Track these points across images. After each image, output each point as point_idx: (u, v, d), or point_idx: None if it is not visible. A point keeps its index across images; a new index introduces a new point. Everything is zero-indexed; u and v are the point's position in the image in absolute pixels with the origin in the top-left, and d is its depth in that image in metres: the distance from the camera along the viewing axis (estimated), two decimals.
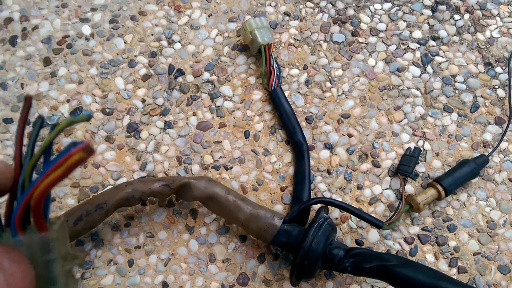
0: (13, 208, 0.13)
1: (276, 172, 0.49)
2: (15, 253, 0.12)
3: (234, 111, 0.52)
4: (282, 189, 0.48)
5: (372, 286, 0.44)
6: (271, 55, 0.50)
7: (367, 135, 0.50)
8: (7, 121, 0.50)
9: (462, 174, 0.46)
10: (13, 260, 0.12)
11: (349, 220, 0.47)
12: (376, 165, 0.49)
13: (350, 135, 0.50)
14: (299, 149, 0.48)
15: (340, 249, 0.41)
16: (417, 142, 0.50)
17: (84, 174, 0.48)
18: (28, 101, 0.13)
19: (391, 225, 0.43)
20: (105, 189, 0.45)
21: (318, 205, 0.47)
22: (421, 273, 0.36)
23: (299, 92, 0.52)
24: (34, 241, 0.12)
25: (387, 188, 0.48)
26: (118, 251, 0.46)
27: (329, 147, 0.50)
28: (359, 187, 0.48)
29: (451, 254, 0.46)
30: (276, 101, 0.50)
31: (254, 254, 0.46)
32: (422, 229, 0.46)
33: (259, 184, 0.49)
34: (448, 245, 0.46)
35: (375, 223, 0.42)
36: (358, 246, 0.41)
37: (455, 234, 0.46)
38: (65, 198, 0.48)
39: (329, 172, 0.49)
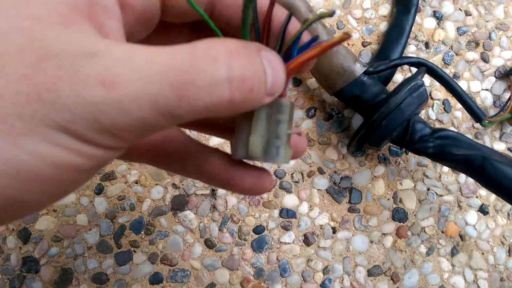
0: None
1: (364, 21, 0.38)
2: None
3: None
4: (364, 44, 0.38)
5: (429, 189, 0.36)
6: None
7: (487, 21, 0.39)
8: None
9: None
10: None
11: (430, 108, 0.37)
12: (485, 59, 0.39)
13: (468, 13, 0.39)
14: (407, 0, 0.37)
15: (426, 126, 0.32)
16: None
17: None
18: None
19: (491, 124, 0.34)
20: None
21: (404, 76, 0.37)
22: None
23: None
24: (274, 102, 0.15)
25: (487, 89, 0.38)
26: None
27: (439, 17, 0.39)
28: (456, 76, 0.38)
29: None
30: None
31: (304, 105, 0.36)
32: (509, 149, 0.38)
33: (339, 27, 0.38)
34: None
35: (478, 114, 0.33)
36: (449, 129, 0.32)
37: None
38: None
39: (427, 46, 0.38)
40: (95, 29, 0.12)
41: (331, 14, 0.14)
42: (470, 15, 0.39)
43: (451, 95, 0.34)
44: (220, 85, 0.12)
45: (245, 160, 0.17)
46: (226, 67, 0.12)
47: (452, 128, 0.37)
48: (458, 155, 0.30)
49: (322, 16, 0.14)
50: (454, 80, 0.33)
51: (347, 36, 0.13)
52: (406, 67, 0.38)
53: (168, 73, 0.11)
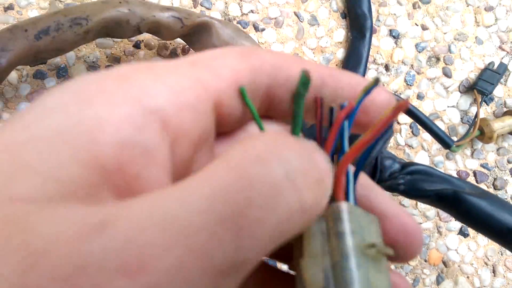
0: None
1: (320, 51, 0.37)
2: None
3: None
4: None
5: None
6: None
7: (445, 33, 0.38)
8: None
9: None
10: None
11: (399, 133, 0.36)
12: (447, 74, 0.38)
13: (424, 27, 0.38)
14: (361, 24, 0.35)
15: (395, 161, 0.30)
16: (502, 58, 0.39)
17: None
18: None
19: (460, 147, 0.33)
20: (89, 1, 0.31)
21: None
22: (506, 211, 0.27)
23: None
24: (329, 209, 0.11)
25: (453, 106, 0.37)
26: None
27: (396, 36, 0.38)
28: (420, 96, 0.37)
29: None
30: None
31: None
32: (481, 165, 0.37)
33: None
34: (506, 191, 0.37)
35: (445, 141, 0.32)
36: (418, 162, 0.31)
37: None
38: (28, 8, 0.33)
39: (387, 68, 0.37)
40: (113, 193, 0.09)
41: (376, 82, 0.11)
42: (427, 29, 0.38)
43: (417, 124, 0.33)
44: (282, 187, 0.09)
45: None
46: (278, 161, 0.09)
47: (422, 152, 0.36)
48: (430, 191, 0.29)
49: (369, 89, 0.12)
50: (418, 108, 0.32)
51: (405, 103, 0.11)
52: None
53: (216, 206, 0.08)
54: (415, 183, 0.29)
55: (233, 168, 0.09)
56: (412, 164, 0.30)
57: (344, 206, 0.11)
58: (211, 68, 0.11)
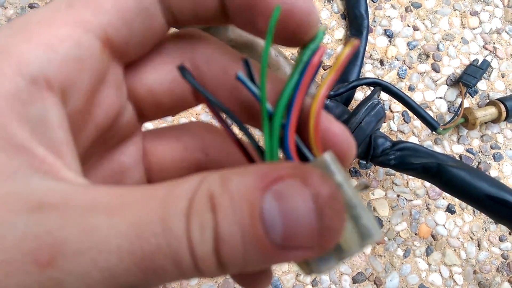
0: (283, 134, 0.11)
1: None
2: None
3: None
4: (325, 68, 0.41)
5: (398, 196, 0.39)
6: None
7: (434, 34, 0.43)
8: None
9: None
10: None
11: (391, 120, 0.40)
12: (436, 69, 0.42)
13: (415, 28, 0.43)
14: (359, 24, 0.40)
15: (387, 140, 0.35)
16: (486, 56, 0.43)
17: None
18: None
19: (446, 131, 0.37)
20: None
21: (360, 93, 0.40)
22: (482, 180, 0.31)
23: None
24: (317, 164, 0.11)
25: (440, 97, 0.42)
26: None
27: (390, 35, 0.42)
28: (411, 88, 0.41)
29: None
30: None
31: None
32: (467, 150, 0.41)
33: None
34: (490, 173, 0.41)
35: (432, 124, 0.36)
36: (407, 141, 0.35)
37: (499, 164, 0.41)
38: None
39: (382, 63, 0.42)
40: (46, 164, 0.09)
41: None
42: (418, 29, 0.43)
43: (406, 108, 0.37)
44: (182, 247, 0.09)
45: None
46: (194, 223, 0.09)
47: (413, 137, 0.40)
48: (417, 164, 0.33)
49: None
50: (407, 94, 0.36)
51: (356, 43, 0.11)
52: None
53: (131, 237, 0.08)
54: (404, 158, 0.33)
55: (164, 212, 0.09)
56: (401, 142, 0.34)
57: (328, 158, 0.11)
58: (90, 4, 0.11)
